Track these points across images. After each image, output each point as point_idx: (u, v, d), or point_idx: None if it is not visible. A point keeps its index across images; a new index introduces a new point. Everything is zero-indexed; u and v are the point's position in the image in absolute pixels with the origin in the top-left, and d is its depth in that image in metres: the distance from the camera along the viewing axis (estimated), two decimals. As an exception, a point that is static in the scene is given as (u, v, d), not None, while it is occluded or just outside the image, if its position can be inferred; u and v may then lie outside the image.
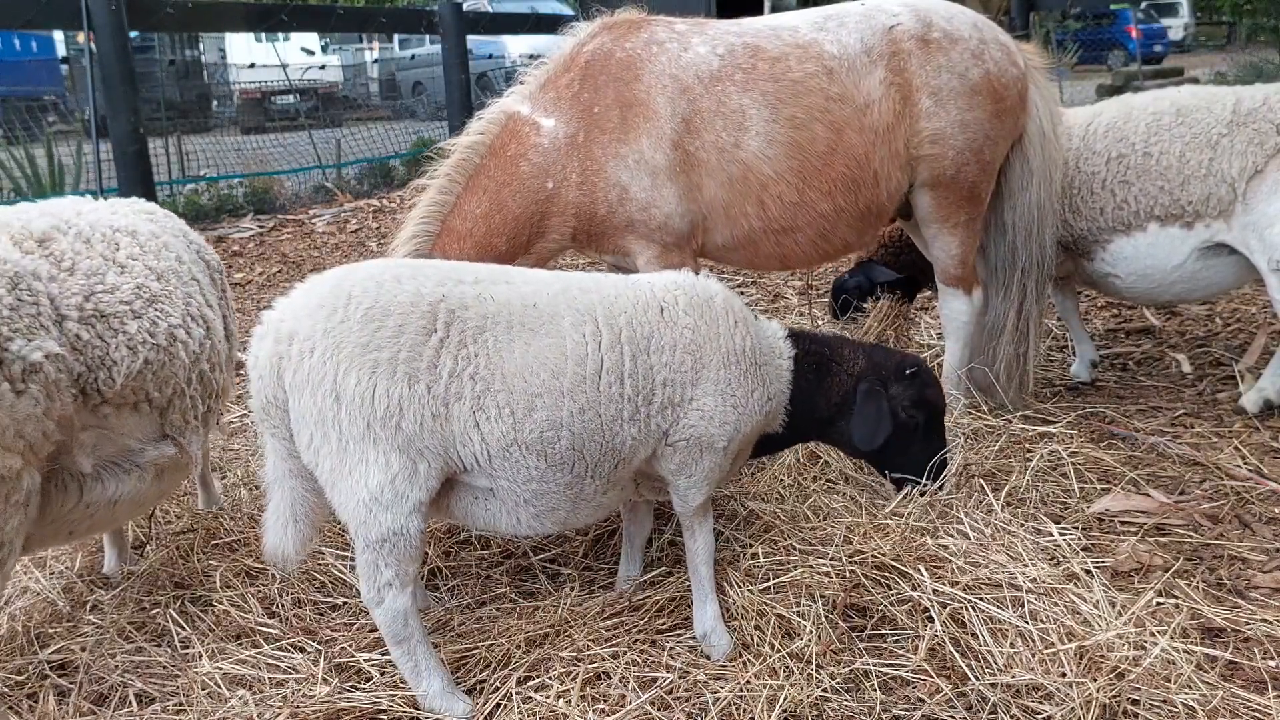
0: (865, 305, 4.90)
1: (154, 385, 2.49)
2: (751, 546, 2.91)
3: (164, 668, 2.67)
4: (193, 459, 2.71)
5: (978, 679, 2.39)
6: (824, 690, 2.38)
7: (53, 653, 2.74)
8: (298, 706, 2.40)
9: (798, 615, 2.59)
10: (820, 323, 5.38)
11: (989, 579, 2.71)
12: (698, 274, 2.68)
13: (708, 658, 2.56)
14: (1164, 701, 2.29)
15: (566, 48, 3.57)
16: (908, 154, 3.62)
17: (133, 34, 8.01)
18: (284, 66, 16.70)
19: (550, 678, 2.46)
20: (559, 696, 2.38)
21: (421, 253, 3.34)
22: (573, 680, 2.43)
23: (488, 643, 2.63)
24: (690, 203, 3.45)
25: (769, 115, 3.46)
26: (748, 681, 2.39)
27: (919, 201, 3.79)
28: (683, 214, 3.44)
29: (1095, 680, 2.32)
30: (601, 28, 3.58)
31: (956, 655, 2.46)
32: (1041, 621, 2.53)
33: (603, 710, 2.35)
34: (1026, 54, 3.86)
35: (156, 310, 2.54)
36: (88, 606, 3.00)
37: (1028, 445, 3.66)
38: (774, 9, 18.39)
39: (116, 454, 2.48)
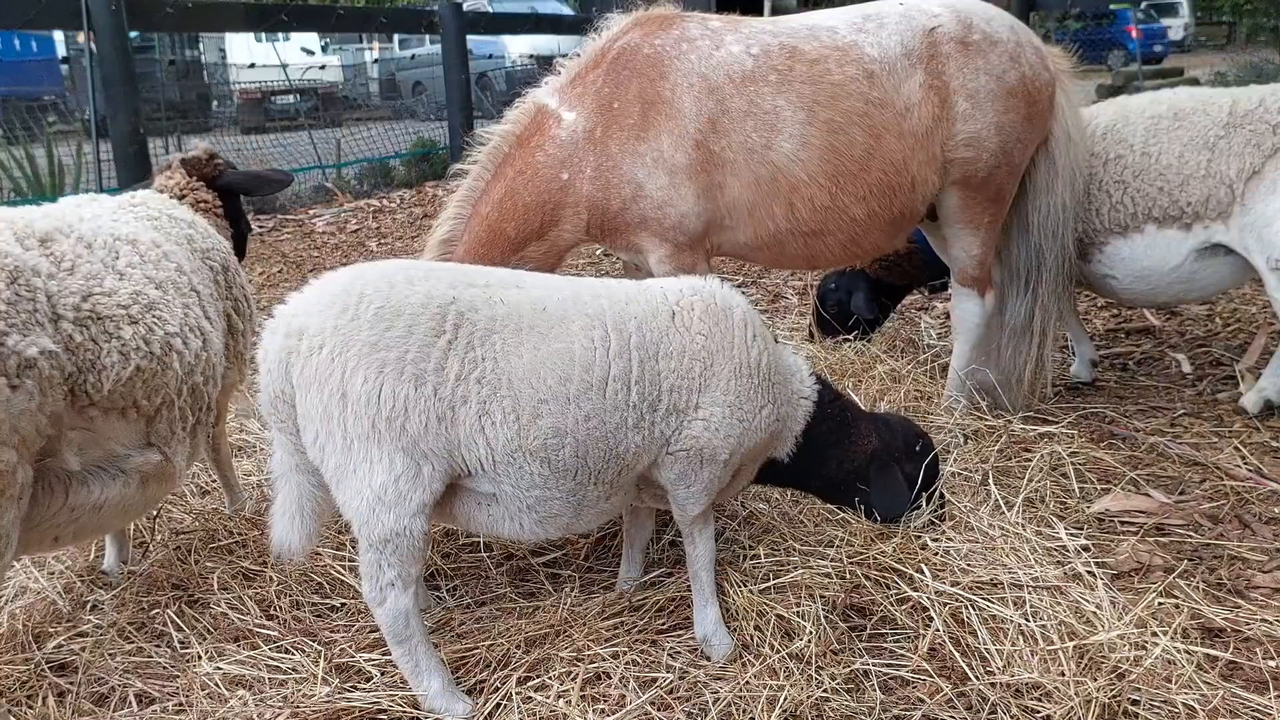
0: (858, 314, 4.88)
1: (143, 394, 2.46)
2: (752, 548, 2.91)
3: (164, 668, 2.66)
4: (177, 469, 2.66)
5: (978, 679, 2.39)
6: (824, 690, 2.38)
7: (52, 652, 2.74)
8: (298, 707, 2.40)
9: (798, 616, 2.59)
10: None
11: (989, 578, 2.71)
12: (708, 274, 2.66)
13: (708, 659, 2.56)
14: (1164, 701, 2.29)
15: (599, 41, 3.58)
16: (944, 157, 3.59)
17: (133, 34, 8.03)
18: (284, 66, 16.70)
19: (550, 678, 2.46)
20: (559, 696, 2.38)
21: (455, 234, 3.49)
22: (573, 680, 2.43)
23: (488, 643, 2.63)
24: (709, 202, 3.43)
25: (804, 118, 3.42)
26: (748, 682, 2.39)
27: (945, 202, 3.77)
28: (699, 214, 3.42)
29: (1095, 680, 2.32)
30: (633, 23, 3.57)
31: (956, 655, 2.46)
32: (1042, 620, 2.54)
33: (603, 710, 2.35)
34: (1053, 56, 3.84)
35: (153, 317, 2.51)
36: (88, 606, 3.00)
37: (1028, 445, 3.66)
38: (774, 10, 18.39)
39: (102, 458, 2.45)
